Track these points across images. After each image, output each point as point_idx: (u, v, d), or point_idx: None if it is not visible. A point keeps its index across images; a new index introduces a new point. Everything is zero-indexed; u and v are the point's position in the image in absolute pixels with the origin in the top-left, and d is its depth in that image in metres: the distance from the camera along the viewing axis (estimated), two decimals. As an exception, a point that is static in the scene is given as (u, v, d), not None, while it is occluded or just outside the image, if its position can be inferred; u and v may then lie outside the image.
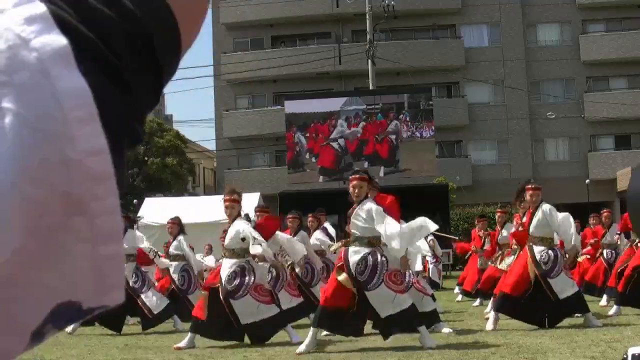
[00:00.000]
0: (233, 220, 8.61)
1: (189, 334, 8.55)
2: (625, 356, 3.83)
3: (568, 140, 36.54)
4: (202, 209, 19.58)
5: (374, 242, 7.79)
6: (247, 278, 8.51)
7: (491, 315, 9.21)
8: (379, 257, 7.73)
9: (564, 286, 8.98)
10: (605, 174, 34.30)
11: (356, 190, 7.81)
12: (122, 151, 0.50)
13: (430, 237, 15.51)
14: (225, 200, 8.71)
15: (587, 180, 33.24)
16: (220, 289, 8.47)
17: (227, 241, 8.55)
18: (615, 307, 10.46)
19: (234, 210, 8.63)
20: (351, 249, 7.81)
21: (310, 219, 12.02)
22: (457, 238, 20.87)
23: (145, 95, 0.52)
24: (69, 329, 10.17)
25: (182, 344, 8.47)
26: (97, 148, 0.45)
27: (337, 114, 27.96)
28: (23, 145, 0.43)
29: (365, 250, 7.73)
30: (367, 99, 28.46)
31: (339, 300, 7.74)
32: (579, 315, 9.28)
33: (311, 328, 7.85)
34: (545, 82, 36.54)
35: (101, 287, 0.47)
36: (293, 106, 28.58)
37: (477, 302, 12.91)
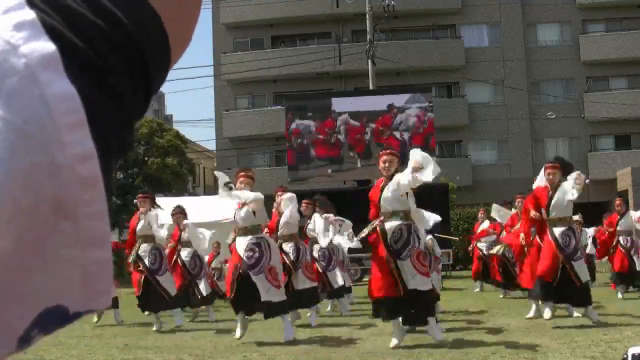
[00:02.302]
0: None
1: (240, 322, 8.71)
2: (625, 356, 3.83)
3: (568, 140, 36.54)
4: (202, 209, 19.58)
5: (408, 215, 7.99)
6: (264, 256, 8.61)
7: (533, 308, 9.25)
8: (412, 230, 7.95)
9: (584, 271, 9.06)
10: (605, 174, 34.30)
11: (386, 165, 8.00)
12: (110, 158, 0.50)
13: (429, 237, 15.51)
14: (240, 176, 8.72)
15: (587, 180, 33.23)
16: (239, 263, 8.63)
17: (241, 220, 8.65)
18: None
19: (248, 188, 8.66)
20: (387, 223, 7.97)
21: (305, 203, 12.13)
22: (457, 239, 20.86)
23: (134, 103, 0.53)
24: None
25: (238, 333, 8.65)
26: (86, 153, 0.46)
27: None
28: (12, 151, 0.43)
29: (399, 222, 7.92)
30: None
31: (389, 290, 7.82)
32: (579, 314, 9.29)
33: (392, 322, 7.91)
34: (545, 82, 36.54)
35: (89, 292, 0.47)
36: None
37: (478, 288, 13.04)
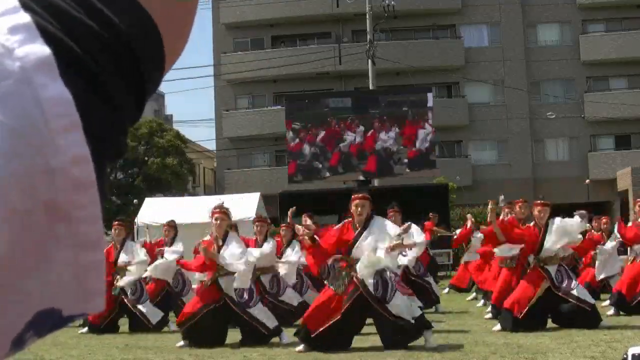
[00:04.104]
0: (224, 238, 8.62)
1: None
2: (625, 356, 3.84)
3: (568, 140, 36.54)
4: (202, 209, 19.55)
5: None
6: (252, 289, 8.65)
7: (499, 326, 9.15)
8: (388, 275, 7.81)
9: (587, 295, 9.02)
10: (605, 174, 34.30)
11: (359, 209, 7.86)
12: (104, 161, 0.50)
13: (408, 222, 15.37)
14: (214, 213, 8.72)
15: (587, 180, 33.22)
16: (229, 303, 8.52)
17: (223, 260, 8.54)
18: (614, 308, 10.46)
19: (222, 224, 8.64)
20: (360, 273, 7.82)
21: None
22: (454, 234, 20.85)
23: (128, 107, 0.52)
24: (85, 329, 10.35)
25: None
26: (80, 156, 0.46)
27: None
28: (6, 154, 0.43)
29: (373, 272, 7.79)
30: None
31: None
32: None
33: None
34: (545, 82, 36.55)
35: (82, 295, 0.47)
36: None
37: (481, 302, 12.88)
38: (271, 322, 8.57)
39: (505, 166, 35.82)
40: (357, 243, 7.79)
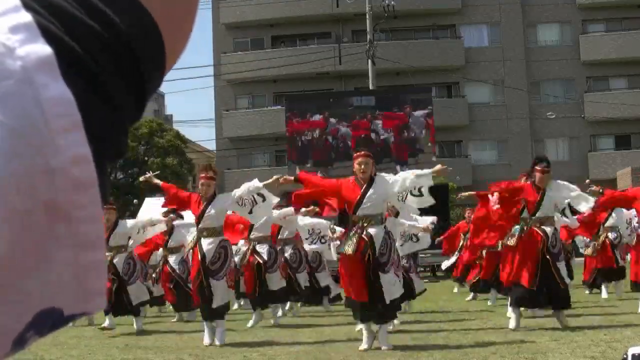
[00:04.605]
0: (210, 199, 8.59)
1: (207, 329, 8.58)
2: (625, 356, 3.83)
3: (568, 140, 36.55)
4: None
5: (383, 219, 7.90)
6: (228, 260, 8.63)
7: (512, 314, 9.03)
8: (392, 238, 7.87)
9: (565, 272, 9.01)
10: (605, 174, 34.30)
11: (362, 167, 7.78)
12: (104, 161, 0.50)
13: (430, 219, 15.44)
14: (201, 178, 8.70)
15: (587, 180, 33.25)
16: (202, 267, 8.51)
17: (207, 221, 8.56)
18: None
19: (209, 189, 8.62)
20: (370, 229, 7.71)
21: None
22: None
23: (128, 107, 0.52)
24: (106, 322, 10.26)
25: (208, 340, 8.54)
26: (81, 156, 0.46)
27: None
28: (6, 154, 0.43)
29: (381, 230, 7.75)
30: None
31: (360, 294, 7.67)
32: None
33: (364, 326, 7.76)
34: (545, 82, 36.56)
35: (83, 294, 0.47)
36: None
37: (471, 296, 13.06)
38: (217, 302, 8.44)
39: (505, 166, 35.81)
40: (364, 201, 7.72)
